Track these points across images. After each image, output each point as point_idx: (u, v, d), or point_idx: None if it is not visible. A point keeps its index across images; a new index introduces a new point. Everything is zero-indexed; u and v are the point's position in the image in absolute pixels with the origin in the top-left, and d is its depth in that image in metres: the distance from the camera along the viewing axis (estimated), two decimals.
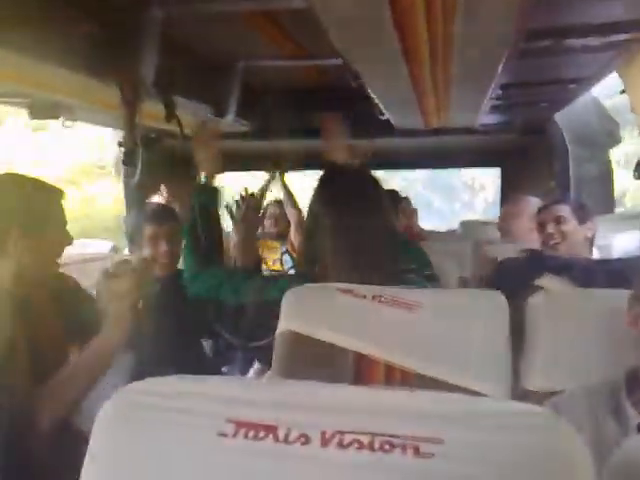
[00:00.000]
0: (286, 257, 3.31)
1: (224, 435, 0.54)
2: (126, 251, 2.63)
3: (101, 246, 3.63)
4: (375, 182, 1.55)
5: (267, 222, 3.46)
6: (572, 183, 3.06)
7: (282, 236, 3.42)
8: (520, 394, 1.18)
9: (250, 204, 2.12)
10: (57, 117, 2.08)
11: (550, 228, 2.25)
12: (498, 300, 1.15)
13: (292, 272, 3.16)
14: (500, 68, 1.75)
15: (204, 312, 1.99)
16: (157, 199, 2.91)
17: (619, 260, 2.19)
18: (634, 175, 2.15)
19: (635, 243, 2.65)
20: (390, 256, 1.41)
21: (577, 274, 1.82)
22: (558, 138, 3.06)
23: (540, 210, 2.38)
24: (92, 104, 2.08)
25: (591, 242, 2.27)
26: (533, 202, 2.77)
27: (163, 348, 1.94)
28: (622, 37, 1.72)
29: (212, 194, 1.88)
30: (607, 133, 3.00)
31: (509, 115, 2.93)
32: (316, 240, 1.46)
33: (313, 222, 1.49)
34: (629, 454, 0.64)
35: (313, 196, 1.53)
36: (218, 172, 1.95)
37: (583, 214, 2.26)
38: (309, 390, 0.59)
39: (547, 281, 1.75)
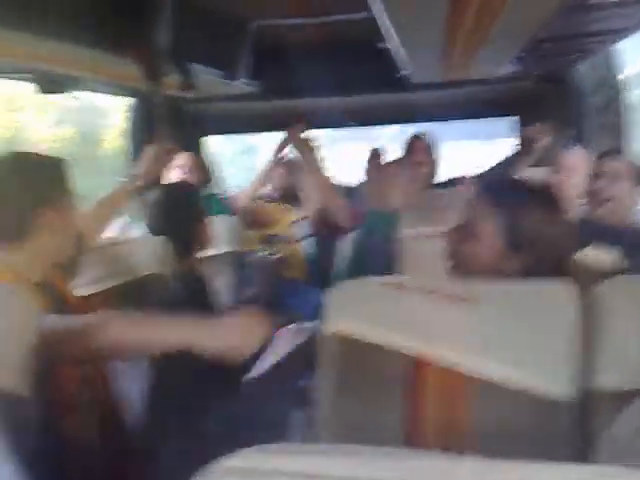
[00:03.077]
0: (302, 223, 3.16)
1: None
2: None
3: None
4: None
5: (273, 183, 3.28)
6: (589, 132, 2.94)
7: (288, 199, 3.21)
8: (588, 393, 1.10)
9: None
10: (65, 91, 1.99)
11: (602, 183, 1.92)
12: (566, 291, 1.05)
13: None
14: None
15: None
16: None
17: None
18: None
19: None
20: None
21: (627, 245, 1.57)
22: (576, 87, 2.96)
23: (594, 162, 2.00)
24: (105, 77, 1.99)
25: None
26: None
27: None
28: None
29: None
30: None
31: (528, 66, 2.81)
32: None
33: None
34: None
35: None
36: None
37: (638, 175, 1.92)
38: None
39: (596, 253, 1.60)
